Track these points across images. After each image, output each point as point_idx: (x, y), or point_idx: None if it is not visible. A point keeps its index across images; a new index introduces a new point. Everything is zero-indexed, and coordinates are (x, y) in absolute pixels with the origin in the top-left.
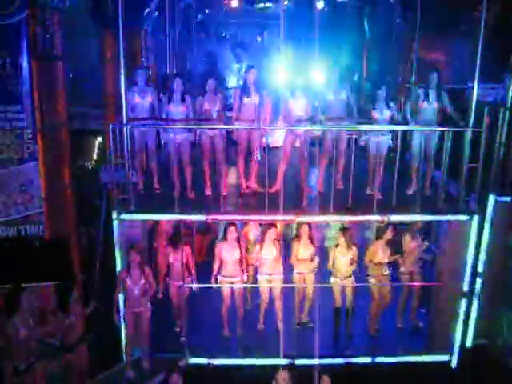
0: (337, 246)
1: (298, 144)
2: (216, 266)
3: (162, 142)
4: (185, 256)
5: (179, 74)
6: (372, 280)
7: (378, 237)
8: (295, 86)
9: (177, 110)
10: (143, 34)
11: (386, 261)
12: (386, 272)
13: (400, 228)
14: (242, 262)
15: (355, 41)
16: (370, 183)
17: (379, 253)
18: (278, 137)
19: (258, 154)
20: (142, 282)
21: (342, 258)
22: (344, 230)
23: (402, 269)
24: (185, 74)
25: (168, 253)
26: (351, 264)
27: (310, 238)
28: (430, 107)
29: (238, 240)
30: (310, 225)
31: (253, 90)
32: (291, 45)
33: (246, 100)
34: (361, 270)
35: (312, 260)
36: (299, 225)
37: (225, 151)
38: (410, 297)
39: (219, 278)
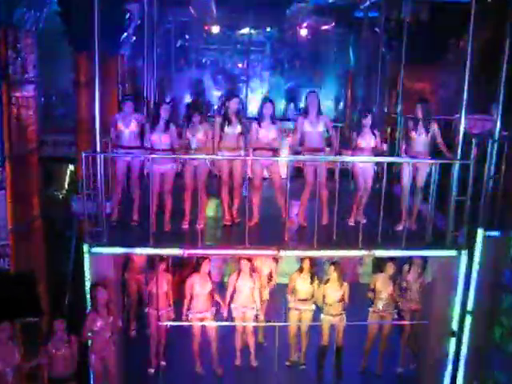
0: (327, 281)
1: (279, 175)
2: (187, 301)
3: (145, 172)
4: (166, 283)
5: (166, 102)
6: (373, 315)
7: (380, 270)
8: (269, 114)
9: (160, 138)
10: (120, 58)
11: (385, 295)
12: (389, 308)
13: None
14: (213, 296)
15: (340, 68)
16: (355, 212)
17: (380, 287)
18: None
19: (243, 189)
20: (110, 321)
21: (334, 294)
22: (335, 264)
23: (402, 305)
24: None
25: (145, 281)
26: (342, 301)
27: (312, 273)
28: (419, 138)
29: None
30: (311, 260)
31: (234, 120)
32: (274, 72)
33: (227, 130)
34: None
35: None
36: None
37: (206, 183)
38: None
39: (189, 315)
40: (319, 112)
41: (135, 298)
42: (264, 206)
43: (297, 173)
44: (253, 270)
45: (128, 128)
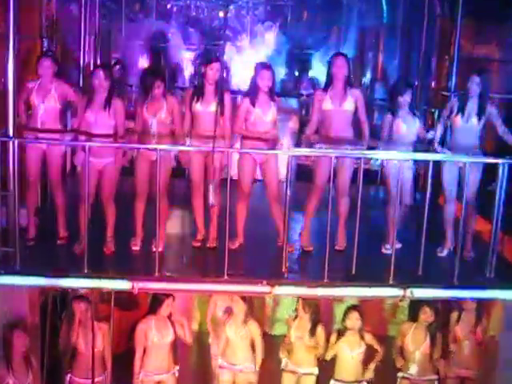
0: (340, 333)
1: (276, 177)
2: (139, 356)
3: (78, 168)
4: (100, 339)
5: (104, 66)
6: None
7: (412, 318)
8: (267, 86)
9: (97, 119)
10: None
11: (420, 355)
12: (426, 373)
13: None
14: (176, 350)
15: (366, 26)
16: (388, 235)
17: (411, 343)
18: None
19: (211, 196)
20: (30, 380)
21: (350, 354)
22: (356, 309)
23: (447, 370)
24: (112, 66)
25: (73, 336)
26: (364, 362)
27: (314, 321)
28: (467, 125)
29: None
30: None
31: (212, 93)
32: (271, 26)
33: (198, 107)
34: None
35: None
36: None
37: (169, 185)
38: None
39: (142, 377)
40: (348, 83)
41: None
42: (253, 221)
43: (301, 174)
44: (251, 311)
45: (44, 102)
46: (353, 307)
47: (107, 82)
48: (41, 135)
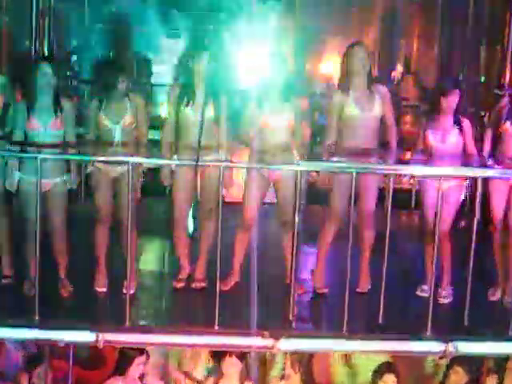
0: None
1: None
2: None
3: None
4: None
5: (48, 58)
6: None
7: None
8: (274, 86)
9: (42, 125)
10: None
11: None
12: None
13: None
14: None
15: (397, 6)
16: (425, 274)
17: None
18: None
19: (188, 223)
20: None
21: None
22: (391, 368)
23: None
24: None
25: None
26: None
27: None
28: None
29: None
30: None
31: (200, 94)
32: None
33: (186, 111)
34: None
35: None
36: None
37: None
38: None
39: None
40: (371, 80)
41: None
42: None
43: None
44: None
45: None
46: (388, 366)
47: (54, 80)
48: None
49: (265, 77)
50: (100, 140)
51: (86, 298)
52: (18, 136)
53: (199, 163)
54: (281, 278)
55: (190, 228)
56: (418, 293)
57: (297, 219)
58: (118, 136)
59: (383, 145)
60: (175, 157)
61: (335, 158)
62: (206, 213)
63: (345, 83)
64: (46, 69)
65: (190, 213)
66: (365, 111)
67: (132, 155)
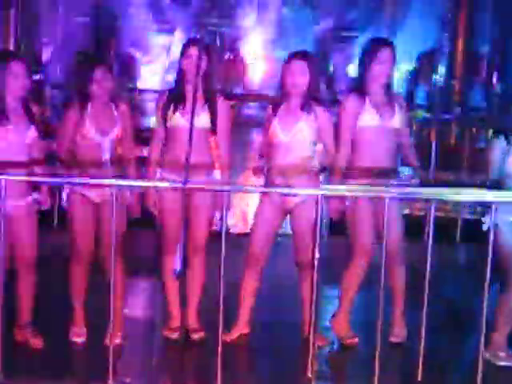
0: None
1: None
2: None
3: None
4: None
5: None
6: None
7: None
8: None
9: (10, 134)
10: None
11: None
12: None
13: None
14: None
15: None
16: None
17: None
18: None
19: (176, 262)
20: None
21: None
22: None
23: None
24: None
25: None
26: None
27: None
28: None
29: None
30: None
31: (199, 97)
32: None
33: (176, 119)
34: None
35: None
36: None
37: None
38: None
39: None
40: (390, 88)
41: None
42: (264, 297)
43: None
44: None
45: None
46: None
47: (26, 81)
48: None
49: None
50: (80, 157)
51: (61, 351)
52: None
53: (188, 185)
54: (298, 327)
55: (178, 266)
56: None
57: (317, 255)
58: (106, 151)
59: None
60: (158, 174)
61: (353, 181)
62: (196, 247)
63: (359, 88)
64: (18, 68)
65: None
66: (383, 121)
67: (121, 176)
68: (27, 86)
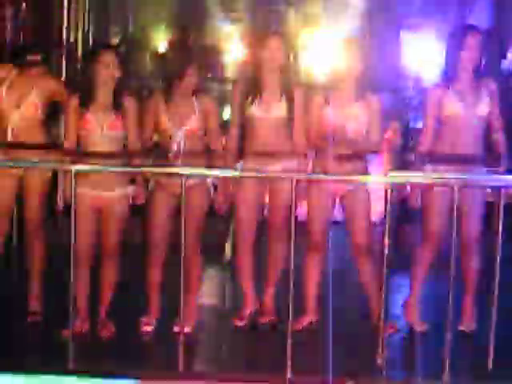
0: None
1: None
2: None
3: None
4: None
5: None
6: None
7: None
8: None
9: (100, 125)
10: None
11: None
12: None
13: None
14: None
15: None
16: None
17: None
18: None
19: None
20: None
21: None
22: None
23: None
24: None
25: None
26: None
27: None
28: None
29: None
30: None
31: (271, 89)
32: None
33: (251, 110)
34: None
35: None
36: None
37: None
38: None
39: None
40: (480, 74)
41: None
42: (329, 286)
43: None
44: None
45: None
46: None
47: (118, 72)
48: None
49: (335, 67)
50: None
51: (131, 340)
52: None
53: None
54: (366, 315)
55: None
56: None
57: (386, 242)
58: (181, 143)
59: (491, 151)
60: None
61: (429, 167)
62: (275, 233)
63: (449, 75)
64: (110, 58)
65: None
66: (469, 109)
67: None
68: (117, 75)
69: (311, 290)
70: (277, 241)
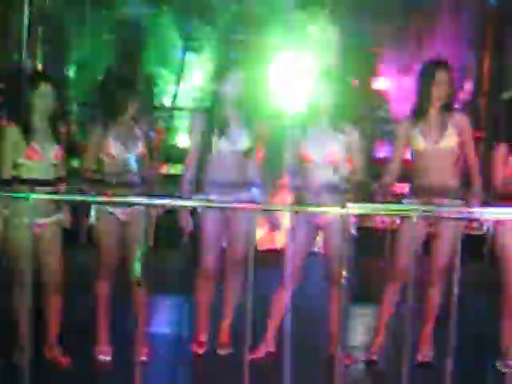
0: None
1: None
2: None
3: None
4: None
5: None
6: None
7: None
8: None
9: (37, 154)
10: None
11: None
12: None
13: None
14: None
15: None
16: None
17: None
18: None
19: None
20: None
21: None
22: None
23: None
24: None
25: None
26: None
27: None
28: None
29: None
30: None
31: (234, 122)
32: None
33: (219, 144)
34: None
35: None
36: None
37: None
38: None
39: None
40: (449, 107)
41: None
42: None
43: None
44: None
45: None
46: None
47: (55, 103)
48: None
49: (309, 99)
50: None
51: (87, 369)
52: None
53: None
54: (325, 346)
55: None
56: (499, 366)
57: (344, 273)
58: (132, 166)
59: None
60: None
61: (405, 200)
62: (234, 263)
63: (420, 110)
64: (46, 89)
65: None
66: (434, 144)
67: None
68: (54, 106)
69: (275, 320)
70: (235, 271)
